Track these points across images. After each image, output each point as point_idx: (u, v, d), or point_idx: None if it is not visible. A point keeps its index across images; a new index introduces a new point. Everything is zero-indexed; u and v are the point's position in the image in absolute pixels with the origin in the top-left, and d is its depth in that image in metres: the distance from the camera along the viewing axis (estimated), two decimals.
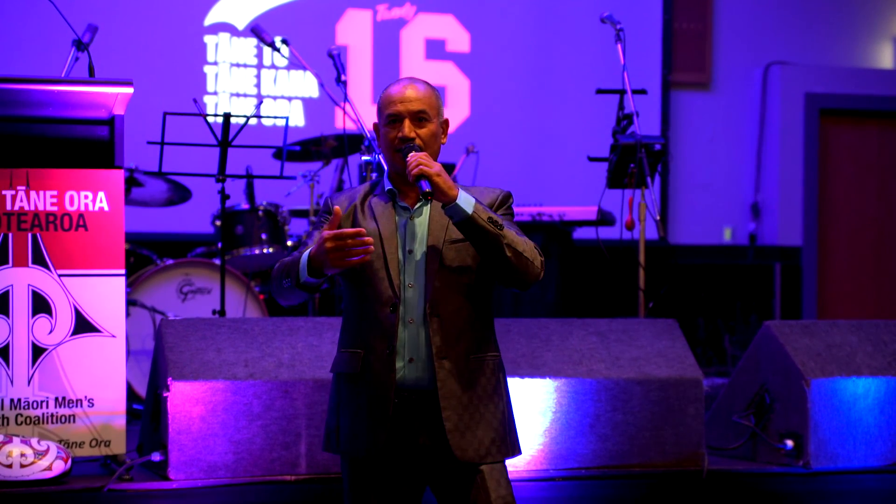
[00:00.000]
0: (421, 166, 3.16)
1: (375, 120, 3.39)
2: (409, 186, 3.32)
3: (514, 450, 3.35)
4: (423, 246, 3.28)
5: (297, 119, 8.59)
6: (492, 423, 3.28)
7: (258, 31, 6.47)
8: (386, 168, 3.42)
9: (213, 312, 6.18)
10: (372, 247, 3.13)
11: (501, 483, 3.29)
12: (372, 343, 3.27)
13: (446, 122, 3.39)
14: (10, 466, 4.43)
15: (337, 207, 3.20)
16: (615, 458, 5.07)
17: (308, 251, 3.21)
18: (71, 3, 5.54)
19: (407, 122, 3.28)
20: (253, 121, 5.99)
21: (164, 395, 4.62)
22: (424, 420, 3.25)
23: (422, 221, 3.31)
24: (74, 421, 4.62)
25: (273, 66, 8.61)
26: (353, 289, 3.32)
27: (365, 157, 6.32)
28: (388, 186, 3.35)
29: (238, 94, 8.57)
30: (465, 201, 3.17)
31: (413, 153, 3.22)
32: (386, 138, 3.31)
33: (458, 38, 9.06)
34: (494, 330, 3.39)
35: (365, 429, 3.26)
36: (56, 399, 4.61)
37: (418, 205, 3.32)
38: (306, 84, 8.65)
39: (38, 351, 4.59)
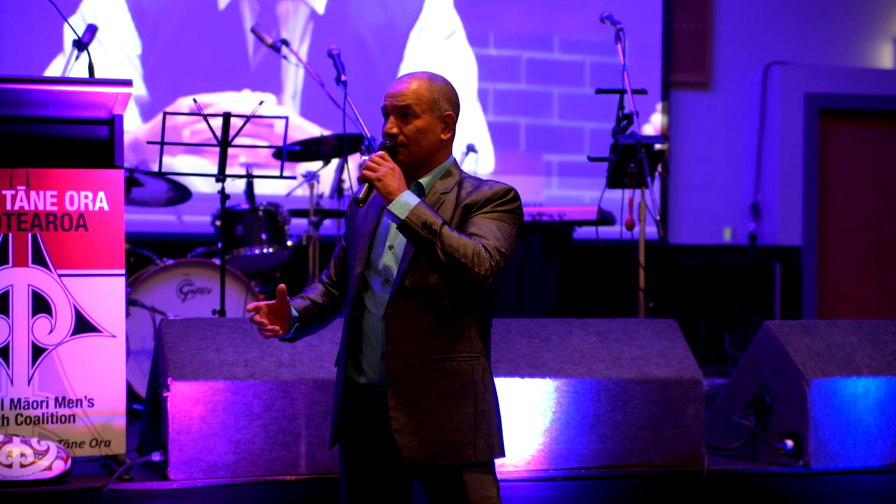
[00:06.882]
0: (365, 171, 3.14)
1: None
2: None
3: (491, 453, 3.23)
4: (403, 243, 3.22)
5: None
6: (453, 425, 3.18)
7: (258, 31, 6.46)
8: None
9: (213, 312, 6.18)
10: (269, 332, 3.24)
11: (485, 484, 3.21)
12: (344, 338, 3.32)
13: (449, 117, 3.25)
14: (10, 466, 4.43)
15: (281, 286, 3.23)
16: (615, 458, 5.07)
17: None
18: (71, 3, 5.54)
19: (391, 118, 3.23)
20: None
21: (164, 395, 4.62)
22: (380, 417, 3.23)
23: None
24: (74, 421, 4.62)
25: None
26: None
27: (365, 157, 6.32)
28: None
29: None
30: (402, 207, 3.09)
31: (372, 155, 3.17)
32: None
33: (458, 36, 9.05)
34: (484, 332, 3.27)
35: (332, 421, 3.34)
36: (56, 399, 4.61)
37: None
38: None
39: (38, 351, 4.59)
